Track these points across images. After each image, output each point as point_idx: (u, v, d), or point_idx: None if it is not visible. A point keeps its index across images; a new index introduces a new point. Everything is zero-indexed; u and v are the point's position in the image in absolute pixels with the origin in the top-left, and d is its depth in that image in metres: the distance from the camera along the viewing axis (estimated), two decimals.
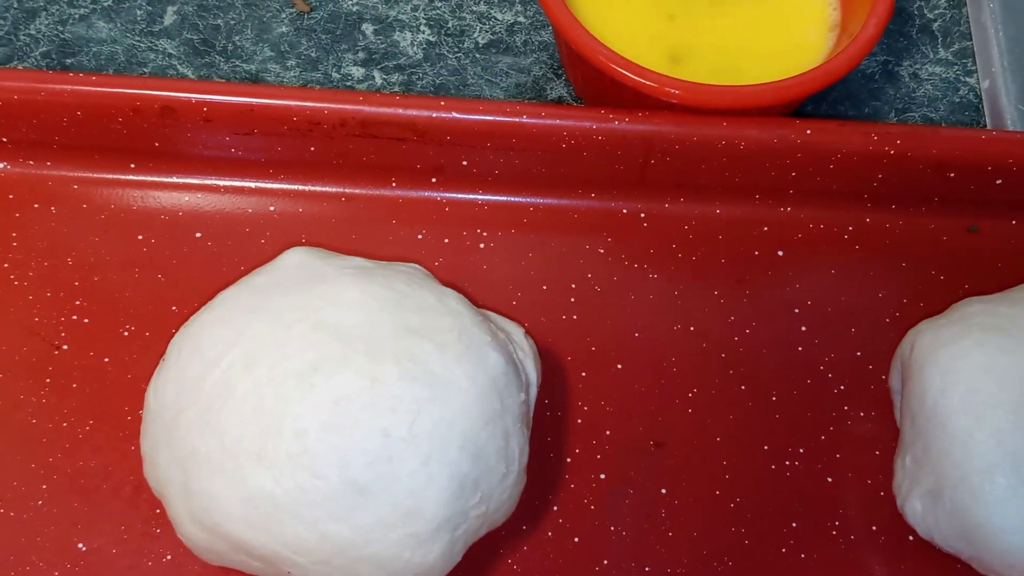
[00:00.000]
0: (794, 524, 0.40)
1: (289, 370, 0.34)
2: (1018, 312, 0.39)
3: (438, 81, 0.50)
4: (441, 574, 0.35)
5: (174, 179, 0.45)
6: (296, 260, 0.38)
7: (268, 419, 0.34)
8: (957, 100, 0.50)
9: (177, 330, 0.38)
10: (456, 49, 0.50)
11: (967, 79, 0.51)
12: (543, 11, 0.45)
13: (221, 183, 0.45)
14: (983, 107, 0.50)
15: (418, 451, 0.34)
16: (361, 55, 0.50)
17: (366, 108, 0.43)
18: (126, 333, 0.42)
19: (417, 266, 0.39)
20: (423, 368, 0.35)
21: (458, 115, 0.43)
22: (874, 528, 0.40)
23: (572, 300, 0.44)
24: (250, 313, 0.36)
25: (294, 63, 0.50)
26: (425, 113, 0.43)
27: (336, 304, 0.36)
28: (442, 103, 0.43)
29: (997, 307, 0.39)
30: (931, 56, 0.51)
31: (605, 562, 0.39)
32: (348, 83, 0.49)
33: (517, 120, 0.43)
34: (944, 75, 0.51)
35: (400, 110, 0.43)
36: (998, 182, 0.44)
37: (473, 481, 0.34)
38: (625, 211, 0.46)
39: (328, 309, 0.36)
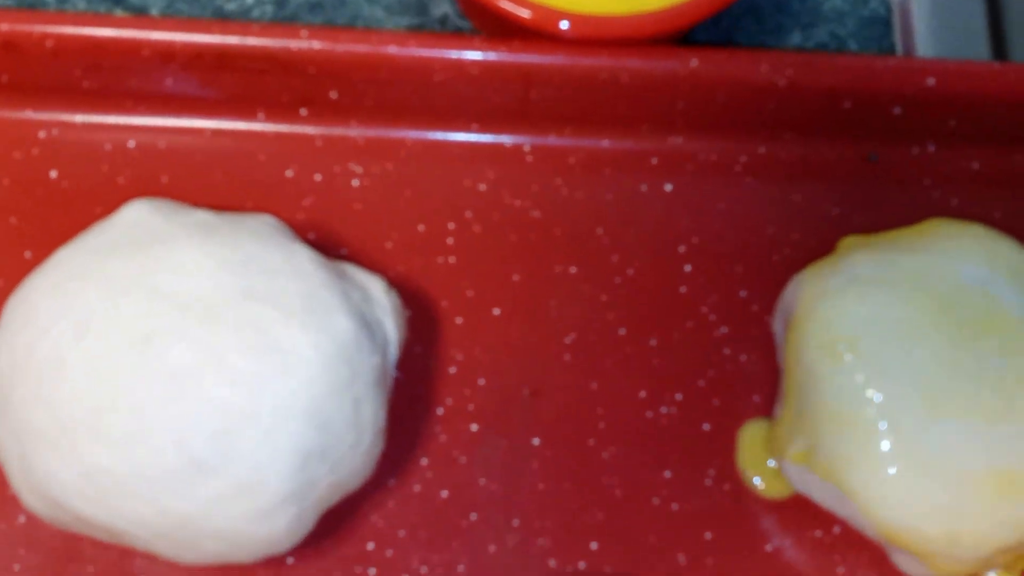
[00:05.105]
0: (667, 474, 0.39)
1: (123, 341, 0.33)
2: (905, 260, 0.37)
3: None
4: (292, 543, 0.34)
5: (27, 114, 0.43)
6: (135, 216, 0.36)
7: (102, 393, 0.32)
8: (866, 14, 0.48)
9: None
10: None
11: None
12: None
13: (76, 118, 0.43)
14: (893, 21, 0.47)
15: (259, 425, 0.32)
16: None
17: (221, 39, 0.40)
18: None
19: (270, 218, 0.37)
20: (265, 337, 0.33)
21: (320, 45, 0.40)
22: None
23: (449, 241, 0.42)
24: (82, 278, 0.34)
25: None
26: (285, 43, 0.40)
27: (174, 268, 0.34)
28: (303, 32, 0.40)
29: (884, 255, 0.37)
30: None
31: (473, 517, 0.38)
32: (217, 2, 0.46)
33: (384, 51, 0.40)
34: None
35: (258, 40, 0.40)
36: (896, 111, 0.42)
37: (320, 452, 0.33)
38: (508, 144, 0.43)
39: (165, 274, 0.34)
